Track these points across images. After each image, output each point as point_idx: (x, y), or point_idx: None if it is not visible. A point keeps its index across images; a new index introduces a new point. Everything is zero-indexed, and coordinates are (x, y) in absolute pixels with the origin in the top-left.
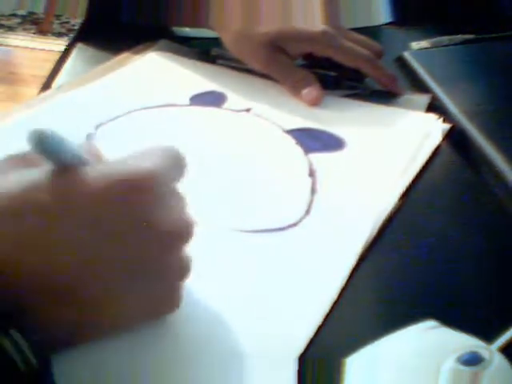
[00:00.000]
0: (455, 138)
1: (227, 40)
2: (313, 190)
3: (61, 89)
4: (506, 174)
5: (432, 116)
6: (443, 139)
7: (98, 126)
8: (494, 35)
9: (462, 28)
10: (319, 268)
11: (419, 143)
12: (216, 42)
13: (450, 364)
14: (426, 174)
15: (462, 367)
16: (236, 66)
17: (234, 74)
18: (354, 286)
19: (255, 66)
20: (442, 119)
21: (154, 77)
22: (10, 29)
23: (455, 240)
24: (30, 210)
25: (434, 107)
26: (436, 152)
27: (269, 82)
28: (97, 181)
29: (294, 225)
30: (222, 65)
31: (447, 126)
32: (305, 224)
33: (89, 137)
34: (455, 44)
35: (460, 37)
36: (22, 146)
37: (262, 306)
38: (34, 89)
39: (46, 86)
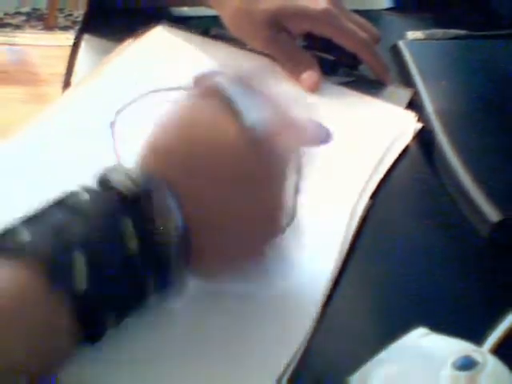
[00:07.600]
0: (423, 137)
1: (226, 17)
2: (296, 191)
3: (80, 84)
4: (461, 178)
5: (410, 114)
6: (413, 138)
7: (117, 113)
8: (486, 33)
9: (461, 20)
10: (300, 277)
11: (391, 142)
12: (215, 20)
13: (447, 371)
14: (391, 175)
15: (458, 373)
16: (236, 45)
17: (233, 50)
18: (339, 300)
19: (255, 45)
20: (417, 118)
21: (162, 54)
22: (18, 27)
23: (421, 243)
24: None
25: (414, 103)
26: (405, 151)
27: (265, 62)
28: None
29: (283, 231)
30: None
31: (420, 125)
32: (291, 230)
33: (112, 124)
34: (448, 38)
35: (453, 31)
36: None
37: (246, 318)
38: (55, 88)
39: (66, 83)
